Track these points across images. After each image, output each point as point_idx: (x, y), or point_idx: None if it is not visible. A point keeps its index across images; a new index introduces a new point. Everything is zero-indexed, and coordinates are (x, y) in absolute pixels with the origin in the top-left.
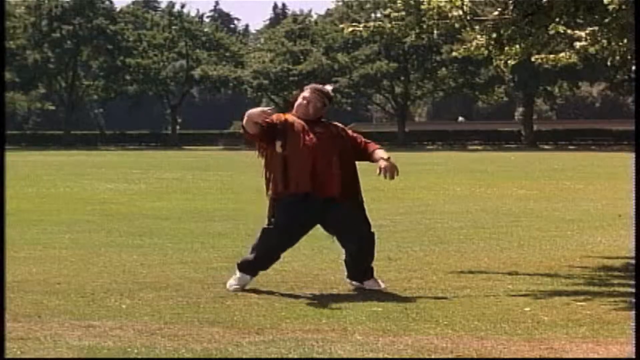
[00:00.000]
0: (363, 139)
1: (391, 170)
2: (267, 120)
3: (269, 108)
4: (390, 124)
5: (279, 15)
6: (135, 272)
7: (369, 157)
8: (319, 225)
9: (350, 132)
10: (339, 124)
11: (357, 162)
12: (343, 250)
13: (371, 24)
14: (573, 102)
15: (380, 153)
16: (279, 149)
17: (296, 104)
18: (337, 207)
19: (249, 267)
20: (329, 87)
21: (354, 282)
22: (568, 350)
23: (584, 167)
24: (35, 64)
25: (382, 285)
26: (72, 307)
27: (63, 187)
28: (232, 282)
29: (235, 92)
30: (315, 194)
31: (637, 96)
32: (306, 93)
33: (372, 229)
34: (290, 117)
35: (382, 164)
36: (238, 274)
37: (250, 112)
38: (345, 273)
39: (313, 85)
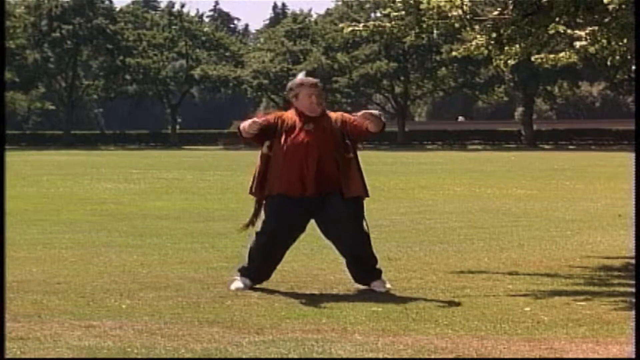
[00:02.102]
0: (356, 119)
1: (364, 117)
2: (264, 122)
3: (258, 117)
4: (390, 124)
5: (279, 14)
6: (135, 272)
7: (365, 129)
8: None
9: (345, 117)
10: (337, 114)
11: (358, 158)
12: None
13: (371, 23)
14: (573, 102)
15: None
16: (265, 150)
17: (303, 102)
18: (323, 205)
19: (246, 271)
20: (306, 77)
21: (361, 286)
22: (568, 350)
23: (584, 167)
24: (35, 63)
25: (388, 286)
26: (72, 307)
27: (63, 187)
28: (234, 284)
29: (235, 92)
30: (292, 194)
31: (637, 96)
32: (310, 90)
33: (367, 228)
34: (286, 115)
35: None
36: (238, 277)
37: (244, 126)
38: (350, 276)
39: (308, 79)
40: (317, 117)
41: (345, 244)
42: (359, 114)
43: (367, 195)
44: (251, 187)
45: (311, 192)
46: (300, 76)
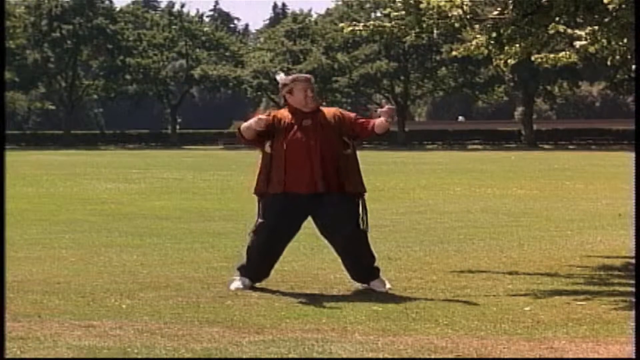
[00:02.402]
0: (360, 118)
1: (389, 111)
2: (267, 121)
3: (262, 115)
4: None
5: (279, 14)
6: (135, 272)
7: (370, 129)
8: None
9: (345, 114)
10: (334, 109)
11: (357, 153)
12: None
13: (371, 23)
14: (573, 102)
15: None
16: (267, 149)
17: (298, 97)
18: (321, 203)
19: (245, 270)
20: (287, 75)
21: (360, 285)
22: (568, 350)
23: (584, 167)
24: (35, 63)
25: (388, 286)
26: (72, 307)
27: (63, 187)
28: (233, 284)
29: (235, 92)
30: (296, 191)
31: (637, 96)
32: (304, 85)
33: (364, 227)
34: (280, 113)
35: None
36: (238, 276)
37: (249, 124)
38: (348, 275)
39: (301, 74)
40: (312, 113)
41: (342, 241)
42: (385, 107)
43: (365, 191)
44: (256, 187)
45: (312, 189)
46: (281, 76)
